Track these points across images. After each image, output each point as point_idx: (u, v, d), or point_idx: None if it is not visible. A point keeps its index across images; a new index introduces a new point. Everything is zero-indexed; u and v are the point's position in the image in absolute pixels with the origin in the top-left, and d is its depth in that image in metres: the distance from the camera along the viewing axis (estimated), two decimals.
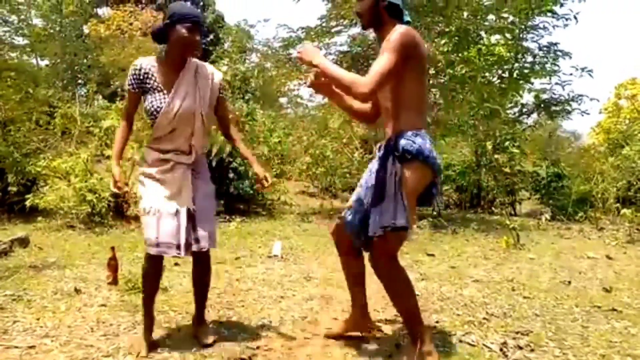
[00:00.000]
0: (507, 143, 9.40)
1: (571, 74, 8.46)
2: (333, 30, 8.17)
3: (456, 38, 7.77)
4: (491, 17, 8.03)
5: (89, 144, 7.18)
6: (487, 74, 8.34)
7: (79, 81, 15.25)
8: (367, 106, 2.52)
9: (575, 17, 8.09)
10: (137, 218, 6.24)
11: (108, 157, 6.70)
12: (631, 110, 16.96)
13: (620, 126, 15.24)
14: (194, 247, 2.30)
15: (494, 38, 8.58)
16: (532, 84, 8.61)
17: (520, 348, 2.51)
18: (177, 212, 2.26)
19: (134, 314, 2.84)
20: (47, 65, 13.83)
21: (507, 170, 9.36)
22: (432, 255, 4.96)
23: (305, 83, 2.22)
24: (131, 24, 17.02)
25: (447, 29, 7.76)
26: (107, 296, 3.23)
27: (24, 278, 3.64)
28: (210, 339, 2.44)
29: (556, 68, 8.20)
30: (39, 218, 6.11)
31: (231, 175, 7.12)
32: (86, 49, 14.44)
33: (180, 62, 2.32)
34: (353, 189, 2.61)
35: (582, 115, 8.84)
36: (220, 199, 7.05)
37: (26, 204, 6.05)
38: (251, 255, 4.74)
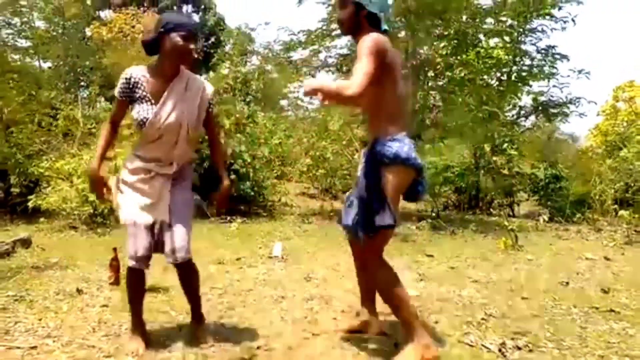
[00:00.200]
0: (505, 145, 9.42)
1: (568, 76, 8.50)
2: (334, 33, 8.20)
3: (455, 41, 7.82)
4: (490, 20, 8.07)
5: (91, 145, 7.21)
6: (485, 77, 8.37)
7: (82, 83, 15.27)
8: None
9: (573, 20, 8.13)
10: None
11: (111, 159, 6.73)
12: (629, 113, 16.97)
13: (618, 128, 15.26)
14: (170, 259, 2.31)
15: (493, 41, 8.61)
16: (531, 86, 8.64)
17: (519, 349, 2.53)
18: (153, 224, 2.28)
19: None
20: (49, 68, 13.86)
21: (506, 172, 9.38)
22: (431, 256, 4.98)
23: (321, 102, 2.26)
24: (133, 26, 17.06)
25: (446, 32, 7.80)
26: (109, 296, 3.26)
27: (26, 279, 3.66)
28: (209, 340, 2.46)
29: (554, 71, 8.23)
30: (42, 219, 6.13)
31: (232, 177, 7.15)
32: (89, 52, 14.46)
33: (172, 72, 2.31)
34: None
35: (580, 118, 8.86)
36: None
37: (29, 205, 6.08)
38: (252, 256, 4.76)
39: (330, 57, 8.61)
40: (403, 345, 2.31)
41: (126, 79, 2.27)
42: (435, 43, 7.93)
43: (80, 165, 6.18)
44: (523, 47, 8.46)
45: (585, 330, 2.86)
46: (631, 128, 13.56)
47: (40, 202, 6.06)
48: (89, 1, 16.96)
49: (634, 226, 6.69)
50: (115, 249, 3.56)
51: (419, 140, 8.23)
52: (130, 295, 2.42)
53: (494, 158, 9.25)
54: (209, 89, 2.44)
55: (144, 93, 2.28)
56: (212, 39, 24.14)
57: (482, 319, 2.99)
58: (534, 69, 8.29)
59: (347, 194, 2.58)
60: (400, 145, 2.25)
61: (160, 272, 3.53)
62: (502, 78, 8.49)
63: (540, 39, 8.38)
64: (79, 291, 3.33)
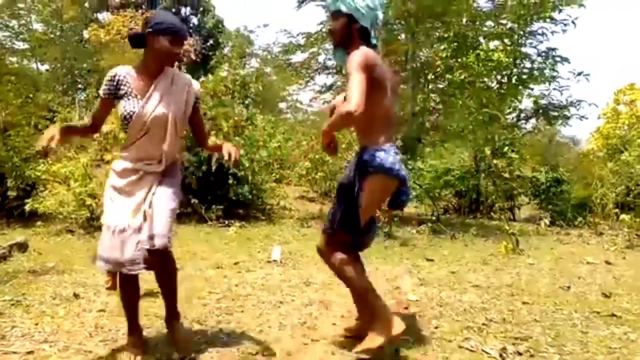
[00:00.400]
0: (506, 148, 9.41)
1: (568, 79, 8.50)
2: None
3: (455, 44, 7.81)
4: (490, 23, 8.07)
5: (88, 148, 7.19)
6: (485, 80, 8.37)
7: (79, 86, 15.27)
8: None
9: (573, 22, 8.13)
10: None
11: (108, 162, 6.70)
12: (630, 116, 16.99)
13: (619, 131, 15.28)
14: (146, 245, 2.18)
15: (493, 44, 8.61)
16: (532, 89, 8.64)
17: (520, 354, 2.51)
18: (141, 225, 2.22)
19: None
20: (47, 70, 13.86)
21: (506, 175, 9.36)
22: (432, 260, 4.96)
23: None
24: (131, 28, 17.06)
25: (446, 35, 7.80)
26: (105, 301, 3.23)
27: (23, 283, 3.63)
28: (187, 340, 2.43)
29: (555, 74, 8.23)
30: (38, 223, 6.09)
31: (230, 180, 7.12)
32: (86, 54, 14.46)
33: (157, 70, 2.31)
34: None
35: (581, 120, 8.85)
36: (219, 204, 7.05)
37: (25, 208, 6.04)
38: (250, 260, 4.73)
39: (329, 59, 8.59)
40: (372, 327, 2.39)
41: (111, 76, 2.28)
42: (435, 46, 7.92)
43: (78, 168, 6.15)
44: (523, 49, 8.46)
45: (587, 335, 2.84)
46: (632, 131, 13.57)
47: (37, 206, 6.03)
48: (86, 4, 16.97)
49: (635, 230, 6.68)
50: None
51: (419, 143, 8.22)
52: (124, 301, 2.39)
53: (495, 161, 9.23)
54: (195, 85, 2.45)
55: (129, 89, 2.28)
56: (211, 41, 24.18)
57: (483, 323, 2.97)
58: (535, 71, 8.29)
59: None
60: (386, 155, 2.35)
61: None
62: (503, 81, 8.49)
63: (541, 42, 8.39)
64: (75, 296, 3.31)
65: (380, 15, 2.49)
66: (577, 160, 12.63)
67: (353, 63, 2.25)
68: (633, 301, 3.58)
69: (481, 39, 8.19)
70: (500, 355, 2.48)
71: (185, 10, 25.03)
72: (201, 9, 25.12)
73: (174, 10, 23.46)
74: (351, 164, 2.51)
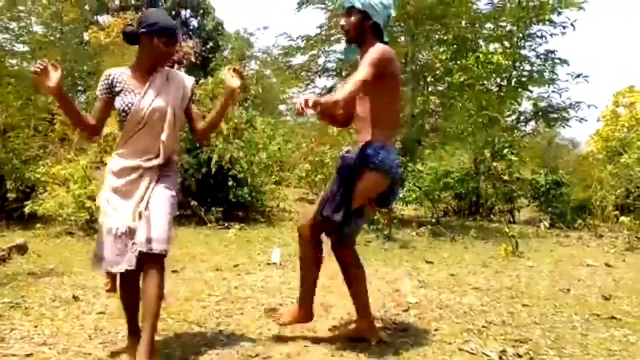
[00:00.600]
0: (505, 150, 9.42)
1: (567, 81, 8.51)
2: (332, 38, 8.21)
3: (454, 46, 7.83)
4: (489, 25, 8.09)
5: (88, 150, 7.19)
6: (485, 82, 8.38)
7: (79, 88, 15.27)
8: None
9: (572, 25, 8.15)
10: None
11: (105, 164, 6.70)
12: (629, 118, 17.00)
13: (619, 134, 15.28)
14: (143, 248, 2.12)
15: (492, 46, 8.63)
16: (531, 92, 8.65)
17: (520, 356, 2.50)
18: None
19: None
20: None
21: (506, 177, 9.37)
22: (431, 262, 4.95)
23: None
24: (129, 24, 17.01)
25: (445, 37, 7.81)
26: (105, 304, 3.22)
27: (22, 285, 3.63)
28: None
29: (554, 76, 8.24)
30: (38, 225, 6.09)
31: (230, 182, 7.12)
32: (86, 56, 14.47)
33: (151, 68, 2.34)
34: None
35: (580, 122, 8.86)
36: (219, 206, 7.05)
37: (25, 210, 6.04)
38: (250, 262, 4.73)
39: (329, 61, 8.61)
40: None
41: (106, 76, 2.30)
42: (434, 48, 7.93)
43: (77, 170, 6.15)
44: (523, 52, 8.48)
45: (587, 337, 2.83)
46: (632, 133, 13.57)
47: (36, 208, 6.03)
48: (87, 6, 16.98)
49: (635, 232, 6.68)
50: None
51: (419, 145, 8.22)
52: (124, 302, 2.39)
53: (494, 164, 9.24)
54: (189, 80, 2.47)
55: (126, 85, 2.30)
56: (211, 44, 24.19)
57: (483, 326, 2.97)
58: (534, 74, 8.30)
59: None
60: (388, 154, 2.41)
61: None
62: (502, 83, 8.51)
63: (540, 44, 8.41)
64: (75, 298, 3.30)
65: (393, 14, 2.53)
66: (577, 162, 12.64)
67: (367, 57, 2.31)
68: (633, 304, 3.58)
69: (480, 42, 8.21)
70: (500, 358, 2.47)
71: (185, 13, 25.06)
72: (201, 11, 25.14)
73: (174, 12, 23.49)
74: (354, 152, 2.52)
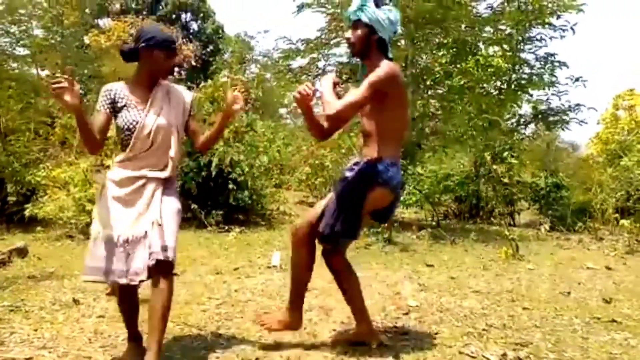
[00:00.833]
0: (505, 153, 9.42)
1: (566, 84, 8.52)
2: (332, 42, 8.22)
3: (454, 49, 7.84)
4: (489, 28, 8.10)
5: (88, 154, 7.18)
6: (485, 85, 8.39)
7: (80, 92, 15.29)
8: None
9: (572, 29, 8.16)
10: None
11: (108, 167, 6.69)
12: (629, 121, 16.99)
13: (618, 137, 15.28)
14: (160, 256, 2.13)
15: (492, 49, 8.64)
16: (531, 95, 8.66)
17: None
18: (145, 234, 2.19)
19: None
20: (47, 76, 13.86)
21: (506, 180, 9.37)
22: (432, 265, 4.95)
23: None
24: (132, 35, 17.07)
25: (445, 41, 7.83)
26: (105, 307, 3.22)
27: (22, 288, 3.63)
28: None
29: (553, 79, 8.25)
30: (38, 228, 6.09)
31: (230, 186, 7.12)
32: (87, 60, 14.48)
33: (151, 83, 2.34)
34: None
35: (580, 125, 8.86)
36: (219, 209, 7.05)
37: (25, 213, 6.04)
38: (250, 265, 4.73)
39: (329, 65, 8.62)
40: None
41: (107, 91, 2.28)
42: (434, 51, 7.95)
43: (77, 174, 6.16)
44: (522, 55, 8.50)
45: (587, 341, 2.83)
46: (632, 136, 13.58)
47: (36, 211, 6.03)
48: (87, 10, 17.02)
49: (635, 235, 6.67)
50: None
51: (419, 148, 8.23)
52: (123, 310, 2.38)
53: (494, 167, 9.25)
54: (189, 95, 2.48)
55: (129, 101, 2.28)
56: (211, 47, 24.25)
57: (483, 329, 2.96)
58: (534, 77, 8.31)
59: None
60: (397, 171, 2.46)
61: None
62: (502, 86, 8.52)
63: (540, 47, 8.42)
64: (75, 301, 3.30)
65: (399, 30, 2.57)
66: (577, 165, 12.65)
67: (372, 76, 2.33)
68: (633, 307, 3.57)
69: (480, 45, 8.22)
70: None
71: (185, 16, 25.14)
72: (201, 14, 25.21)
73: (174, 15, 23.57)
74: (356, 166, 2.48)
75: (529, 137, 10.36)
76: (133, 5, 23.07)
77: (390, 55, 2.52)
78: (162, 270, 2.16)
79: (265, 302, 3.44)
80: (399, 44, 7.64)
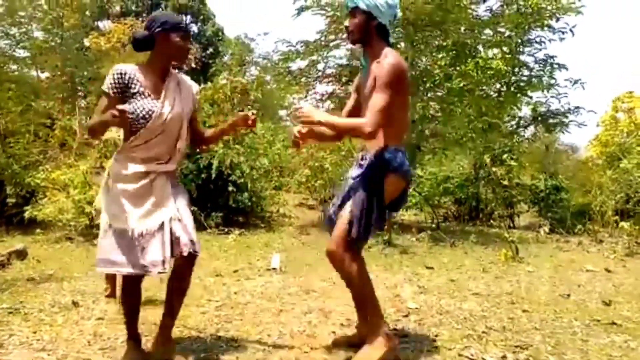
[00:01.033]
0: (505, 156, 9.43)
1: (565, 86, 8.53)
2: (332, 44, 8.23)
3: (454, 52, 7.85)
4: (488, 31, 8.11)
5: (88, 156, 7.19)
6: (484, 88, 8.39)
7: (79, 93, 15.29)
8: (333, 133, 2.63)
9: (571, 31, 8.17)
10: None
11: (103, 168, 6.70)
12: (628, 124, 17.01)
13: (618, 139, 15.29)
14: (190, 249, 2.23)
15: (492, 52, 8.65)
16: (530, 97, 8.67)
17: None
18: (161, 226, 2.21)
19: None
20: (47, 78, 13.87)
21: (506, 182, 9.38)
22: (431, 268, 4.95)
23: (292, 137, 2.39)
24: (134, 31, 17.03)
25: (444, 43, 7.83)
26: (104, 309, 3.22)
27: (22, 291, 3.62)
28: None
29: (552, 81, 8.26)
30: (38, 230, 6.09)
31: (230, 188, 7.12)
32: (87, 62, 14.49)
33: (165, 70, 2.32)
34: None
35: (579, 127, 8.85)
36: (219, 211, 7.05)
37: (25, 215, 6.04)
38: (250, 268, 4.72)
39: (329, 67, 8.63)
40: (371, 338, 2.37)
41: (119, 74, 2.19)
42: (434, 54, 7.95)
43: (77, 176, 6.16)
44: (522, 57, 8.50)
45: (587, 343, 2.83)
46: (631, 139, 13.59)
47: (36, 213, 6.03)
48: (87, 12, 17.04)
49: (634, 238, 6.67)
50: None
51: (419, 150, 8.23)
52: (126, 305, 2.37)
53: (494, 169, 9.25)
54: (196, 87, 2.50)
55: (142, 88, 2.24)
56: (211, 49, 24.28)
57: (483, 332, 2.96)
58: (533, 79, 8.32)
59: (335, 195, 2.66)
60: (404, 156, 2.42)
61: (157, 284, 3.49)
62: (501, 89, 8.52)
63: (539, 50, 8.42)
64: (74, 303, 3.30)
65: (399, 14, 2.47)
66: (576, 167, 12.65)
67: (384, 76, 2.26)
68: (633, 309, 3.57)
69: (480, 47, 8.22)
70: None
71: (185, 19, 25.16)
72: (201, 17, 25.26)
73: None
74: (363, 162, 2.47)
75: (528, 140, 10.37)
76: (133, 8, 23.11)
77: (391, 40, 2.45)
78: (188, 261, 2.29)
79: (264, 305, 3.43)
80: (398, 46, 7.65)
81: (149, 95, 2.24)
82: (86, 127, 2.25)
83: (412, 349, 2.63)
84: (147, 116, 2.21)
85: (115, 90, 2.20)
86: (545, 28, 8.16)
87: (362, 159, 2.50)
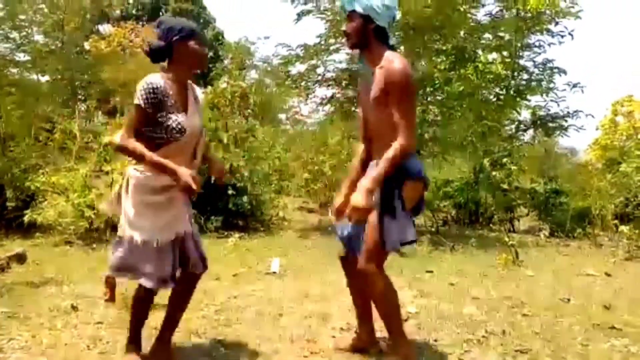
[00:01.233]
0: (504, 160, 9.43)
1: (564, 90, 8.54)
2: (331, 48, 8.25)
3: (453, 56, 7.87)
4: (488, 35, 8.14)
5: (88, 159, 7.19)
6: (484, 92, 8.41)
7: (80, 97, 15.33)
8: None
9: (570, 34, 8.20)
10: None
11: (107, 173, 6.69)
12: (628, 127, 17.05)
13: (617, 143, 15.32)
14: (201, 268, 2.37)
15: (491, 56, 8.67)
16: (529, 101, 8.68)
17: None
18: (179, 238, 2.26)
19: None
20: (47, 81, 13.90)
21: (505, 186, 9.37)
22: (431, 272, 4.94)
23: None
24: (132, 40, 17.18)
25: (444, 47, 7.86)
26: (104, 313, 3.21)
27: (21, 295, 3.61)
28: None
29: (551, 85, 8.27)
30: (37, 234, 6.08)
31: (230, 191, 7.12)
32: (87, 65, 14.52)
33: (186, 79, 2.31)
34: None
35: (578, 131, 8.86)
36: (218, 215, 7.05)
37: (24, 219, 6.02)
38: (249, 271, 4.72)
39: (328, 71, 8.64)
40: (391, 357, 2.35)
41: (153, 88, 2.14)
42: (433, 58, 7.97)
43: (77, 179, 6.15)
44: (521, 62, 8.52)
45: (587, 347, 2.83)
46: (630, 142, 13.61)
47: (35, 217, 6.01)
48: (88, 15, 17.10)
49: (634, 241, 6.67)
50: None
51: (418, 155, 8.24)
52: (138, 314, 2.37)
53: (493, 173, 9.25)
54: (202, 94, 2.51)
55: (172, 101, 2.20)
56: (211, 53, 24.35)
57: (483, 336, 2.96)
58: (532, 83, 8.34)
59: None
60: (419, 162, 2.38)
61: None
62: (501, 93, 8.54)
63: (538, 54, 8.45)
64: (73, 308, 3.29)
65: (398, 15, 2.41)
66: (576, 171, 12.65)
67: (400, 86, 2.21)
68: (633, 313, 3.56)
69: (479, 52, 8.25)
70: None
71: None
72: (201, 21, 25.34)
73: None
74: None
75: (527, 143, 10.38)
76: (133, 12, 23.18)
77: (391, 42, 2.39)
78: (195, 278, 2.42)
79: (264, 309, 3.43)
80: (398, 50, 7.66)
81: (178, 108, 2.22)
82: (121, 146, 2.16)
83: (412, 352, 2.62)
84: (181, 129, 2.20)
85: (149, 104, 2.15)
86: (545, 32, 8.19)
87: (371, 168, 2.42)
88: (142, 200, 2.21)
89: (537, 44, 8.41)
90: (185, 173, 2.13)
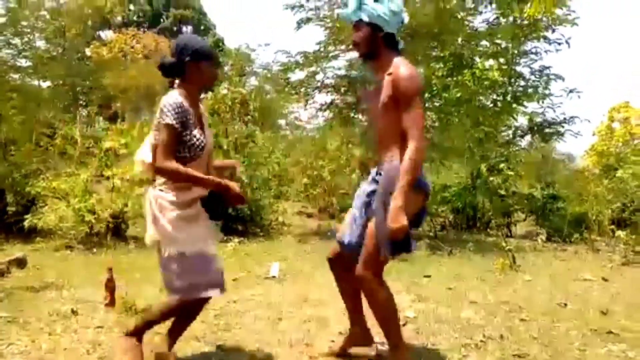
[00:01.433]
0: (501, 165, 9.48)
1: (561, 96, 8.59)
2: (330, 55, 8.30)
3: (451, 63, 7.92)
4: (485, 42, 8.19)
5: (88, 164, 7.22)
6: (481, 98, 8.46)
7: (81, 103, 15.36)
8: None
9: (567, 42, 8.26)
10: (135, 238, 6.23)
11: (108, 178, 6.72)
12: (624, 133, 17.10)
13: (614, 149, 15.36)
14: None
15: (488, 63, 8.73)
16: (526, 107, 8.73)
17: None
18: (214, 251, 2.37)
19: None
20: (49, 87, 13.93)
21: (503, 192, 9.41)
22: (429, 276, 4.96)
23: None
24: (133, 47, 17.25)
25: (442, 54, 7.91)
26: (104, 318, 3.23)
27: (21, 299, 3.62)
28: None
29: (547, 92, 8.32)
30: (38, 238, 6.10)
31: None
32: (88, 71, 14.57)
33: (198, 96, 2.38)
34: None
35: (575, 137, 8.91)
36: (218, 219, 7.07)
37: (25, 224, 6.04)
38: (248, 276, 4.73)
39: (327, 78, 8.69)
40: None
41: (180, 107, 2.18)
42: (431, 64, 8.02)
43: (77, 184, 6.18)
44: (518, 68, 8.58)
45: (584, 352, 2.84)
46: (627, 149, 13.66)
47: (36, 222, 6.03)
48: (89, 22, 17.18)
49: (631, 247, 6.70)
50: (110, 269, 3.51)
51: None
52: (185, 321, 2.44)
53: (491, 178, 9.29)
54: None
55: (193, 118, 2.26)
56: None
57: (481, 340, 2.98)
58: (529, 89, 8.38)
59: (346, 219, 2.57)
60: (423, 172, 2.33)
61: (157, 295, 3.51)
62: (498, 99, 8.59)
63: (535, 61, 8.50)
64: (73, 312, 3.30)
65: (406, 19, 2.37)
66: (573, 176, 12.69)
67: (411, 91, 2.20)
68: (630, 318, 3.58)
69: (476, 58, 8.30)
70: None
71: (186, 29, 25.36)
72: (202, 27, 25.43)
73: (175, 28, 23.74)
74: (379, 177, 2.35)
75: (524, 149, 10.43)
76: (135, 18, 23.28)
77: (400, 46, 2.35)
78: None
79: (263, 313, 3.45)
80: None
81: (196, 125, 2.27)
82: (164, 168, 2.18)
83: (410, 357, 2.64)
84: (202, 145, 2.26)
85: (179, 123, 2.18)
86: (541, 39, 8.24)
87: (377, 175, 2.40)
88: (178, 215, 2.23)
89: (533, 50, 8.47)
90: (234, 184, 2.27)
